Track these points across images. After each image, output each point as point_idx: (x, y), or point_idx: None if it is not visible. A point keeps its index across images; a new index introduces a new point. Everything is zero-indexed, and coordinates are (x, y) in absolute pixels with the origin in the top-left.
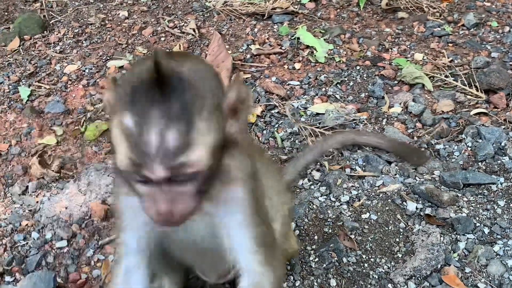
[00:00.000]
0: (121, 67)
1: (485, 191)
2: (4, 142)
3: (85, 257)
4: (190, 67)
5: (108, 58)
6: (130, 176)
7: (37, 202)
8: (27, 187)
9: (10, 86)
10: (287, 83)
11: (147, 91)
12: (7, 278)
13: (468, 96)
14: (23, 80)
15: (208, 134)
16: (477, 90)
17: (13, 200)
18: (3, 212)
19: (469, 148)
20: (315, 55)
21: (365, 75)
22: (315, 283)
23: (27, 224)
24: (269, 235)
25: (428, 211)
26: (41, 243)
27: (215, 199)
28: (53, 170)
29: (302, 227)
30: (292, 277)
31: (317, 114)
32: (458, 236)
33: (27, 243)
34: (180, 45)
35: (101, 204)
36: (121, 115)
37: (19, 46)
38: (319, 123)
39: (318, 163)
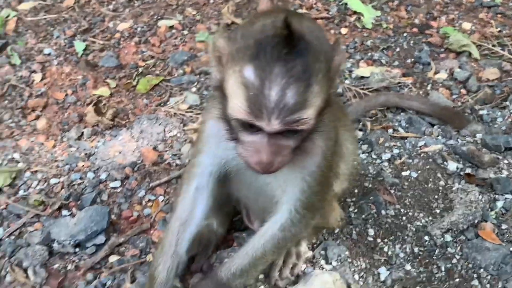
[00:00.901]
0: (171, 27)
1: None
2: (60, 92)
3: (137, 197)
4: (312, 30)
5: (159, 17)
6: (240, 124)
7: (92, 146)
8: (82, 133)
9: (65, 41)
10: None
11: (274, 47)
12: (64, 212)
13: None
14: (78, 35)
15: (319, 95)
16: None
17: (69, 144)
18: (60, 154)
19: None
20: (362, 21)
21: (411, 42)
22: (354, 231)
23: (83, 165)
24: (323, 199)
25: (468, 171)
26: (96, 182)
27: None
28: (107, 119)
29: None
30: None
31: (362, 77)
32: (497, 196)
33: (83, 182)
34: (228, 8)
35: (152, 150)
36: (242, 66)
37: (74, 3)
38: (363, 85)
39: (361, 123)
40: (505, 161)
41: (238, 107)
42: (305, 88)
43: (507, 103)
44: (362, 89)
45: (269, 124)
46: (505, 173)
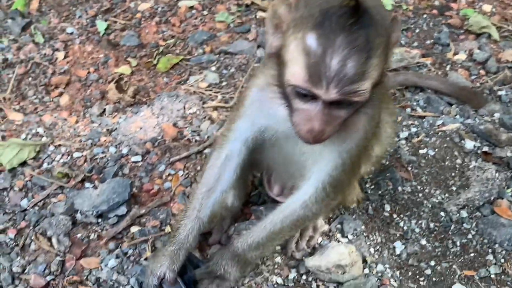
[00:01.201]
0: (191, 7)
1: None
2: (83, 69)
3: (158, 171)
4: (376, 4)
5: None
6: (296, 91)
7: (114, 122)
8: (104, 109)
9: (88, 20)
10: None
11: (339, 17)
12: (87, 184)
13: None
14: (99, 15)
15: (377, 69)
16: None
17: (91, 120)
18: (83, 130)
19: None
20: (382, 2)
21: (431, 23)
22: (370, 207)
23: (105, 140)
24: (350, 179)
25: (485, 149)
26: (117, 156)
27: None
28: (128, 96)
29: None
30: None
31: None
32: None
33: (105, 156)
34: None
35: (172, 127)
36: (305, 33)
37: None
38: None
39: None
40: None
41: (297, 74)
42: (365, 60)
43: None
44: None
45: (327, 92)
46: None
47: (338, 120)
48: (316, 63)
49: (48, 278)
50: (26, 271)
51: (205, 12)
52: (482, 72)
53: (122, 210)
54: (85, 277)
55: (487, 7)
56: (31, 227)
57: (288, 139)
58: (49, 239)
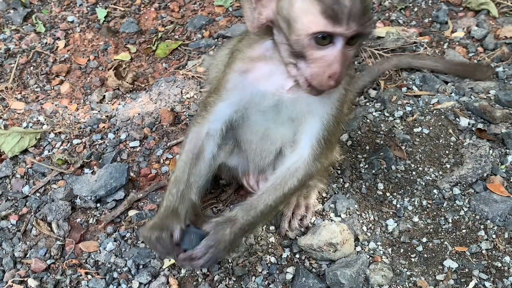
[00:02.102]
0: None
1: None
2: (83, 57)
3: (155, 155)
4: None
5: None
6: (315, 38)
7: (113, 109)
8: (104, 96)
9: (88, 8)
10: None
11: None
12: (86, 170)
13: None
14: (99, 3)
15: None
16: None
17: (91, 107)
18: (83, 117)
19: None
20: None
21: (430, 2)
22: (363, 186)
23: (104, 126)
24: (338, 131)
25: (480, 126)
26: (116, 142)
27: None
28: (127, 82)
29: (354, 138)
30: (341, 179)
31: (378, 37)
32: (508, 150)
33: (104, 142)
34: None
35: (170, 111)
36: None
37: None
38: (379, 45)
39: (375, 82)
40: None
41: (314, 21)
42: None
43: None
44: (377, 49)
45: (348, 28)
46: None
47: (350, 61)
48: (330, 5)
49: (49, 262)
50: (27, 256)
51: None
52: (480, 49)
53: (120, 194)
54: (84, 260)
55: None
56: (32, 213)
57: (269, 112)
58: (49, 224)
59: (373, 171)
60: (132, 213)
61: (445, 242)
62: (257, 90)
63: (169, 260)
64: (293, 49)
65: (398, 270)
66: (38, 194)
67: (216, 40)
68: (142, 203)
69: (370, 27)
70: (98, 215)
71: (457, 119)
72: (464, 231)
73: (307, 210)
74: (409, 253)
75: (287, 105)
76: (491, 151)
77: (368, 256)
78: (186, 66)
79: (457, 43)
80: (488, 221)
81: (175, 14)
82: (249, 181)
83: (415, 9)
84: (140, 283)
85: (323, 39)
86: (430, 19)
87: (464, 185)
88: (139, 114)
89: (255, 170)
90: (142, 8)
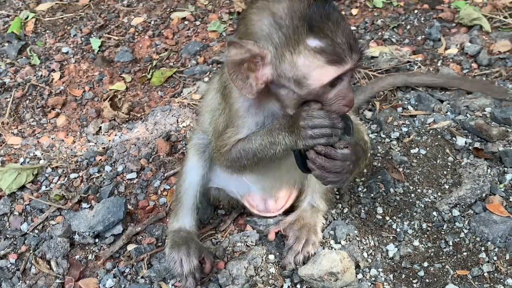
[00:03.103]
0: (184, 18)
1: None
2: (78, 88)
3: (153, 187)
4: None
5: (171, 10)
6: (328, 85)
7: (109, 140)
8: (100, 127)
9: (82, 38)
10: None
11: (316, 10)
12: (84, 205)
13: None
14: (94, 33)
15: None
16: None
17: (88, 139)
18: (80, 150)
19: None
20: (372, 1)
21: (422, 19)
22: (362, 211)
23: (100, 159)
24: None
25: (477, 145)
26: (113, 175)
27: None
28: (123, 112)
29: None
30: (340, 205)
31: (372, 57)
32: (506, 169)
33: (101, 175)
34: None
35: (166, 141)
36: (306, 42)
37: (90, 1)
38: (373, 65)
39: (370, 103)
40: None
41: (323, 74)
42: (349, 24)
43: None
44: (371, 70)
45: (352, 61)
46: None
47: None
48: (332, 51)
49: None
50: None
51: (197, 23)
52: (474, 65)
53: (118, 229)
54: None
55: None
56: (31, 251)
57: None
58: (48, 262)
59: (372, 194)
60: (130, 247)
61: (447, 266)
62: (267, 111)
63: None
64: (304, 99)
65: None
66: (36, 231)
67: (210, 66)
68: (141, 237)
69: (365, 48)
70: (97, 250)
71: (453, 138)
72: (465, 253)
73: (314, 247)
74: (411, 279)
75: None
76: (489, 170)
77: (370, 284)
78: (182, 94)
79: (451, 60)
80: (489, 242)
81: (169, 41)
82: (257, 207)
83: (408, 27)
84: None
85: (335, 80)
86: (423, 36)
87: (463, 206)
88: (135, 145)
89: (261, 195)
90: (136, 36)
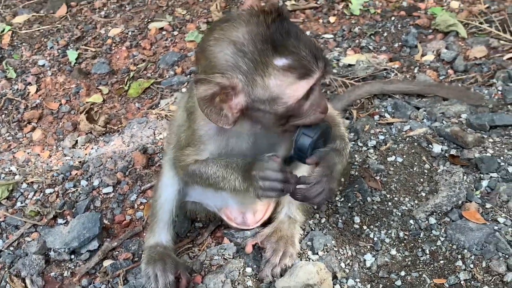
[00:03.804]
0: (161, 29)
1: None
2: (55, 102)
3: (129, 201)
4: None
5: (149, 20)
6: (300, 101)
7: (86, 154)
8: (76, 141)
9: (59, 50)
10: (320, 37)
11: (276, 30)
12: (60, 221)
13: (502, 42)
14: (71, 44)
15: None
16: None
17: (64, 153)
18: (56, 164)
19: (499, 92)
20: (350, 8)
21: (399, 26)
22: (340, 220)
23: (76, 173)
24: None
25: (453, 152)
26: (89, 189)
27: None
28: (99, 125)
29: None
30: (317, 215)
31: (349, 65)
32: (482, 175)
33: (76, 189)
34: (216, 5)
35: (142, 154)
36: (275, 64)
37: (67, 12)
38: (350, 73)
39: (348, 112)
40: (490, 140)
41: (296, 88)
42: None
43: (494, 80)
44: (348, 78)
45: (320, 69)
46: (490, 152)
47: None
48: (300, 65)
49: None
50: None
51: (175, 33)
52: (451, 71)
53: (94, 244)
54: None
55: (454, 4)
56: (6, 269)
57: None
58: (23, 280)
59: (349, 204)
60: (107, 263)
61: (424, 275)
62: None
63: None
64: (282, 116)
65: None
66: (11, 248)
67: (188, 76)
68: (117, 252)
69: (327, 53)
70: (73, 267)
71: (430, 145)
72: (442, 262)
73: (291, 258)
74: None
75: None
76: (465, 177)
77: None
78: (159, 105)
79: (427, 67)
80: (465, 250)
81: (147, 52)
82: (235, 220)
83: (385, 34)
84: None
85: (308, 92)
86: (399, 43)
87: (440, 214)
88: (111, 158)
89: (238, 208)
90: (113, 48)
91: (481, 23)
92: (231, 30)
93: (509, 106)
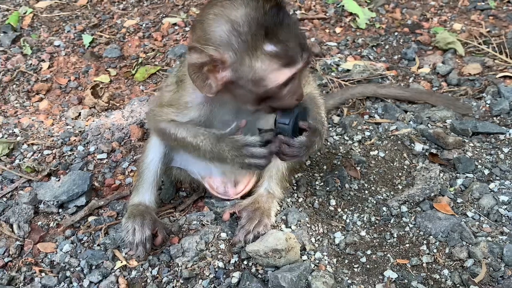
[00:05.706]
0: (174, 24)
1: (493, 139)
2: (64, 78)
3: (121, 168)
4: None
5: (164, 16)
6: (279, 87)
7: (86, 125)
8: (79, 113)
9: (75, 34)
10: (324, 44)
11: (270, 16)
12: (53, 178)
13: (497, 61)
14: (87, 30)
15: None
16: (507, 57)
17: (66, 123)
18: (57, 131)
19: (487, 105)
20: (357, 22)
21: (401, 40)
22: (316, 201)
23: (75, 140)
24: None
25: (433, 151)
26: (84, 154)
27: None
28: (103, 101)
29: (313, 159)
30: (296, 195)
31: (348, 70)
32: (458, 174)
33: (73, 153)
34: None
35: (139, 127)
36: (262, 47)
37: (87, 2)
38: (346, 77)
39: (339, 110)
40: (471, 144)
41: (278, 76)
42: (299, 25)
43: (484, 94)
44: (344, 80)
45: (303, 60)
46: (469, 154)
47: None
48: (286, 55)
49: (6, 260)
50: None
51: (187, 29)
52: (444, 84)
53: (81, 200)
54: (40, 260)
55: (457, 26)
56: None
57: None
58: (11, 225)
59: (327, 188)
60: (91, 218)
61: (388, 255)
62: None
63: (121, 262)
64: (260, 97)
65: (339, 278)
66: (4, 199)
67: None
68: (103, 210)
69: (310, 45)
70: (59, 219)
71: (412, 144)
72: (407, 245)
73: (265, 228)
74: (353, 264)
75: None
76: (441, 174)
77: (313, 265)
78: None
79: (422, 78)
80: (431, 236)
81: (158, 43)
82: (217, 190)
83: (386, 47)
84: (91, 282)
85: (289, 79)
86: (399, 56)
87: (412, 204)
88: (109, 129)
89: (221, 178)
90: (127, 36)
91: (479, 43)
92: (230, 9)
93: (494, 118)
